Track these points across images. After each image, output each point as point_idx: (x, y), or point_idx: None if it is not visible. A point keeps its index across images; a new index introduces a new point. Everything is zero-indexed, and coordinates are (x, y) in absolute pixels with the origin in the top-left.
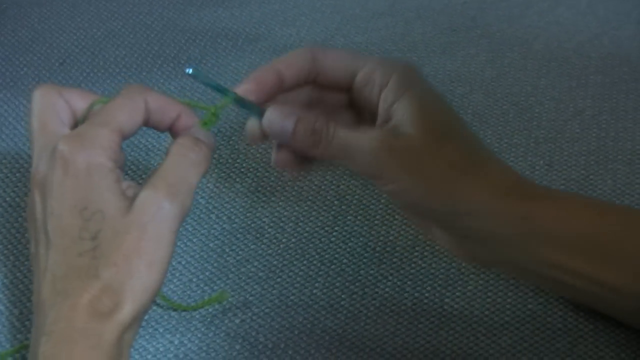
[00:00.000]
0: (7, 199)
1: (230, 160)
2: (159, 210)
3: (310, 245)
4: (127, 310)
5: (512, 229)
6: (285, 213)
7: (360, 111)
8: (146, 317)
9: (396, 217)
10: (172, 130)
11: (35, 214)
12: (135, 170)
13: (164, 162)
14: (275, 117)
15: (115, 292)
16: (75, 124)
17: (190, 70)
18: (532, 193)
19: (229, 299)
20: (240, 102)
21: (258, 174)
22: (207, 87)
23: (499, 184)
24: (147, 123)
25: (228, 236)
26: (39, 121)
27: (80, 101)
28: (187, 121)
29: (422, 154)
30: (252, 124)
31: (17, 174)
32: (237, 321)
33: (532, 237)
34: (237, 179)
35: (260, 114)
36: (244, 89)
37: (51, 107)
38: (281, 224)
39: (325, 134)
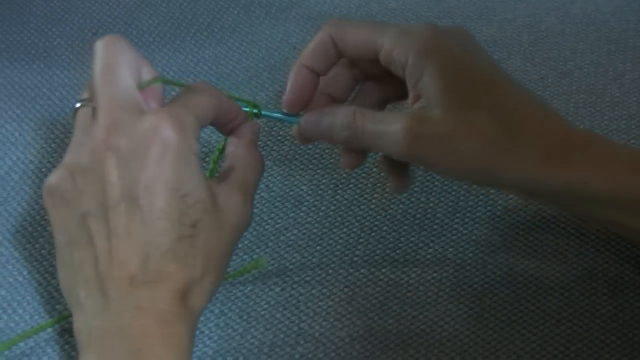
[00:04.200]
0: (43, 169)
1: (267, 129)
2: (245, 218)
3: (350, 212)
4: (204, 303)
5: (557, 192)
6: (324, 180)
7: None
8: None
9: (436, 183)
10: (224, 128)
11: (106, 177)
12: None
13: (242, 168)
14: (309, 125)
15: (202, 284)
16: None
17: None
18: (575, 154)
19: (269, 267)
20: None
21: (295, 141)
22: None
23: (537, 149)
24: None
25: (266, 204)
26: (107, 66)
27: (146, 71)
28: (240, 121)
29: (452, 136)
30: (296, 129)
31: (53, 145)
32: (278, 290)
33: (579, 199)
34: (275, 147)
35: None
36: (289, 101)
37: (125, 58)
38: (320, 192)
39: (354, 129)
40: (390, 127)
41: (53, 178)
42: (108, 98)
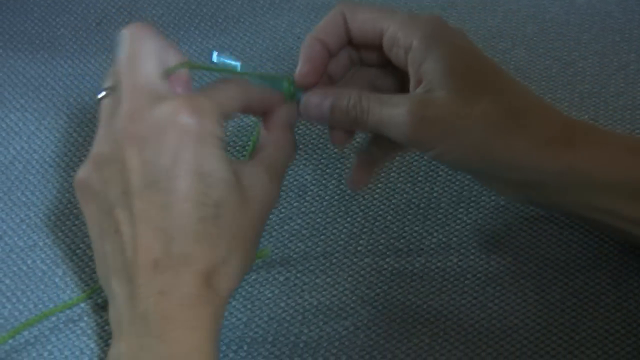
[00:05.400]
0: (47, 159)
1: None
2: (271, 196)
3: (354, 202)
4: (232, 284)
5: (557, 178)
6: (328, 170)
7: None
8: None
9: (440, 173)
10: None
11: (127, 165)
12: None
13: (271, 148)
14: (311, 105)
15: (229, 265)
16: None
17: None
18: (576, 139)
19: (273, 257)
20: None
21: (299, 131)
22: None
23: (539, 134)
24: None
25: None
26: (131, 55)
27: (173, 56)
28: (277, 104)
29: (456, 117)
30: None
31: (57, 134)
32: (282, 279)
33: (579, 186)
34: None
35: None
36: (303, 73)
37: (150, 47)
38: (324, 181)
39: (360, 111)
40: (395, 110)
41: (81, 172)
42: (130, 87)
